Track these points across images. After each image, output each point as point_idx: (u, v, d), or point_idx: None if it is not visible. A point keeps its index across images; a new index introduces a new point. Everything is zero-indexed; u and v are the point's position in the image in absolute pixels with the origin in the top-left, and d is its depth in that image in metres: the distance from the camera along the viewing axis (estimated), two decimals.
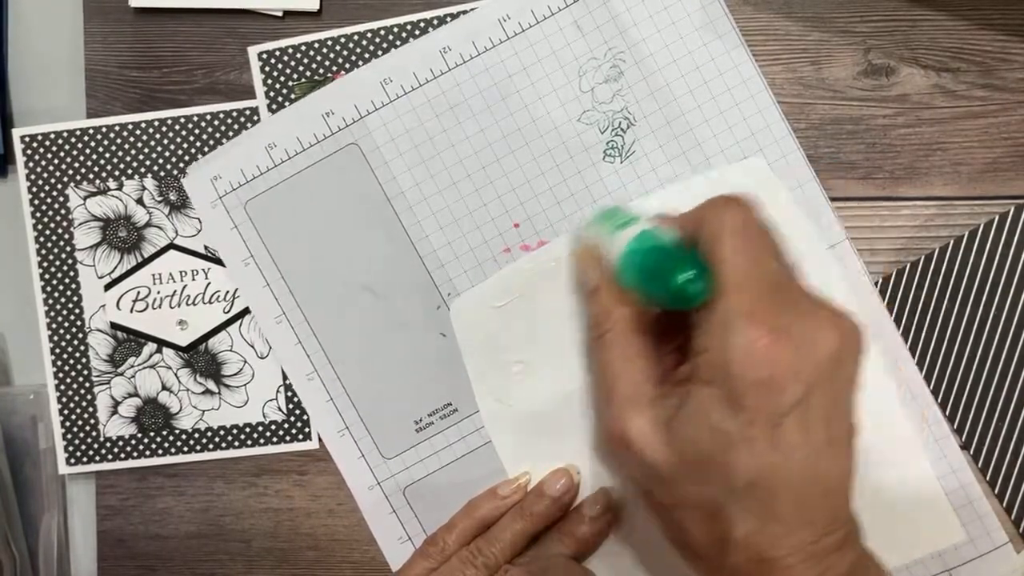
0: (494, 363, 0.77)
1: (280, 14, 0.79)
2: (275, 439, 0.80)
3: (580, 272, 0.71)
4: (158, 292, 0.81)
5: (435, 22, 0.77)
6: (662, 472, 0.58)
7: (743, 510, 0.55)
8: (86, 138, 0.80)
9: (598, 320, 0.64)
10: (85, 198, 0.80)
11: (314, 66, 0.78)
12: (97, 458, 0.81)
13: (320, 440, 0.80)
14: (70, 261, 0.81)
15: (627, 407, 0.60)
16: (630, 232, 0.63)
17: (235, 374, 0.81)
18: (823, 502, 0.55)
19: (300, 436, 0.80)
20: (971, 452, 0.74)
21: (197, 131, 0.79)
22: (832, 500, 0.56)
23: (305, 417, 0.80)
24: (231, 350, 0.81)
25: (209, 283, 0.80)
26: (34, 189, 0.81)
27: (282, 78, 0.78)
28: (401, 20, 0.77)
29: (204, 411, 0.81)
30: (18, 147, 0.80)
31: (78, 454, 0.82)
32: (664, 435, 0.58)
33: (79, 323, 0.81)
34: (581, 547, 0.74)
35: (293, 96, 0.78)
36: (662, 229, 0.62)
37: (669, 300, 0.59)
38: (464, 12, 0.76)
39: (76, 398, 0.81)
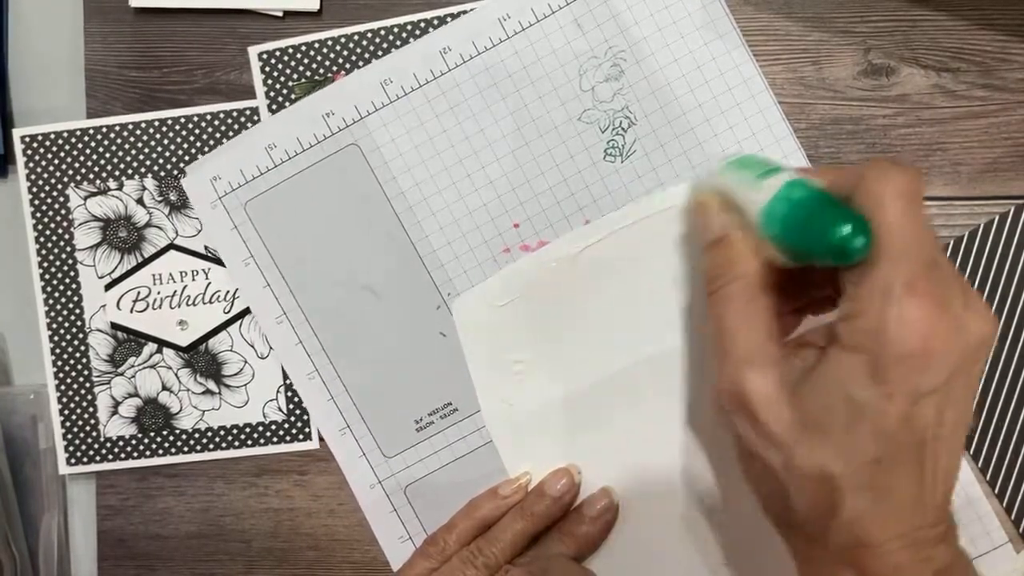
0: (495, 362, 0.77)
1: (280, 14, 0.79)
2: (275, 439, 0.80)
3: (703, 219, 0.65)
4: (158, 292, 0.81)
5: (435, 22, 0.77)
6: (780, 435, 0.55)
7: (858, 487, 0.53)
8: (86, 138, 0.80)
9: (720, 271, 0.60)
10: (85, 198, 0.80)
11: (314, 66, 0.78)
12: (97, 458, 0.82)
13: (320, 440, 0.80)
14: (70, 261, 0.81)
15: (747, 364, 0.56)
16: (775, 181, 0.59)
17: (235, 374, 0.81)
18: (936, 491, 0.54)
19: (300, 436, 0.80)
20: (971, 452, 0.74)
21: (197, 131, 0.79)
22: (943, 490, 0.54)
23: (305, 417, 0.80)
24: (231, 350, 0.81)
25: (209, 283, 0.80)
26: (34, 189, 0.81)
27: (282, 78, 0.78)
28: (401, 20, 0.77)
29: (204, 411, 0.81)
30: (18, 147, 0.81)
31: (78, 454, 0.82)
32: (787, 397, 0.55)
33: (79, 323, 0.81)
34: (581, 547, 0.74)
35: (293, 96, 0.78)
36: (813, 181, 0.58)
37: (825, 254, 0.55)
38: (464, 12, 0.76)
39: (76, 398, 0.81)
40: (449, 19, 0.77)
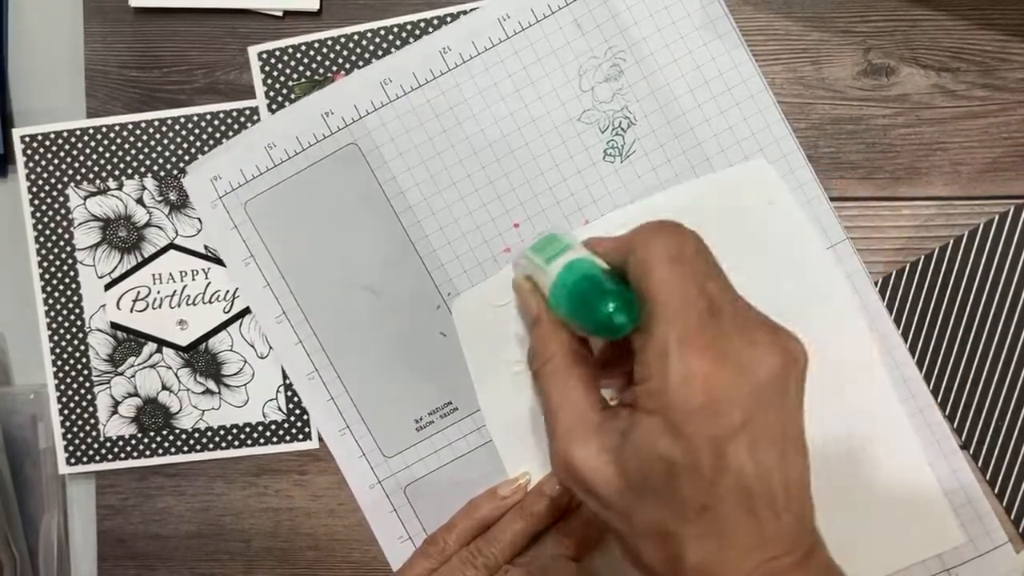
0: (495, 362, 0.77)
1: (280, 14, 0.79)
2: (275, 439, 0.80)
3: (520, 302, 0.71)
4: (158, 292, 0.81)
5: (435, 22, 0.77)
6: (612, 500, 0.57)
7: (695, 536, 0.54)
8: (86, 138, 0.80)
9: (537, 351, 0.64)
10: (85, 198, 0.80)
11: (314, 66, 0.78)
12: (97, 458, 0.82)
13: (320, 440, 0.80)
14: (70, 261, 0.81)
15: (571, 436, 0.59)
16: (561, 261, 0.63)
17: (235, 374, 0.81)
18: (777, 523, 0.54)
19: (300, 436, 0.80)
20: (971, 452, 0.74)
21: (197, 131, 0.79)
22: (787, 519, 0.54)
23: (305, 417, 0.80)
24: (231, 350, 0.81)
25: (209, 283, 0.80)
26: (34, 189, 0.81)
27: (282, 78, 0.78)
28: (401, 20, 0.77)
29: (204, 411, 0.81)
30: (18, 147, 0.81)
31: (78, 454, 0.82)
32: (611, 463, 0.57)
33: (79, 323, 0.81)
34: (581, 547, 0.74)
35: (293, 96, 0.78)
36: (592, 258, 0.62)
37: (597, 330, 0.58)
38: (464, 12, 0.76)
39: (76, 398, 0.81)
40: (449, 19, 0.77)
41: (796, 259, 0.74)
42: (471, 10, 0.76)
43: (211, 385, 0.81)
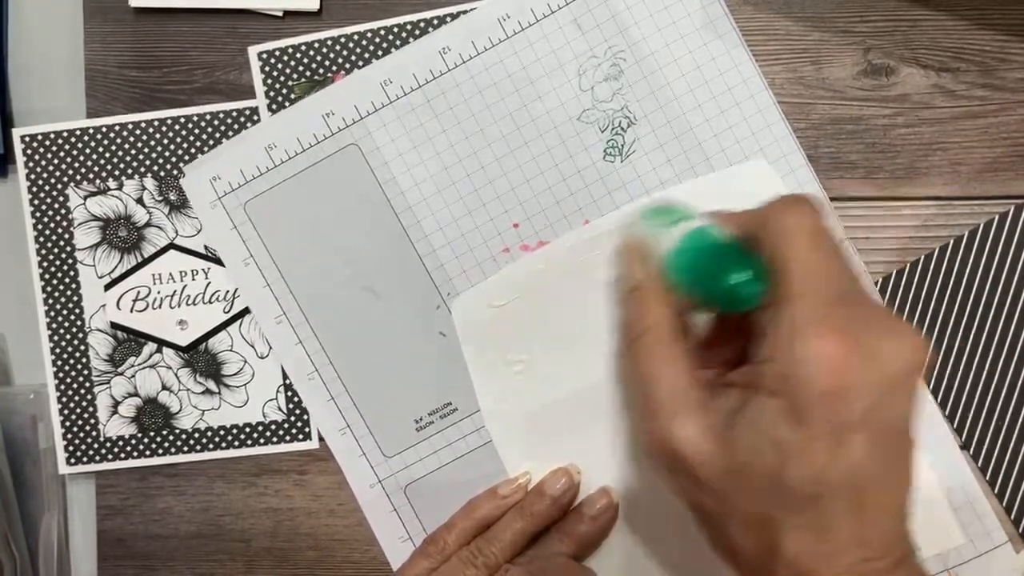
0: (495, 362, 0.77)
1: (280, 14, 0.79)
2: (275, 439, 0.80)
3: (622, 269, 0.64)
4: (158, 292, 0.81)
5: (435, 22, 0.77)
6: (713, 482, 0.54)
7: (796, 527, 0.52)
8: (86, 138, 0.80)
9: (633, 321, 0.59)
10: (85, 198, 0.80)
11: (314, 66, 0.78)
12: (97, 458, 0.82)
13: (320, 440, 0.80)
14: (70, 261, 0.81)
15: (672, 413, 0.55)
16: (682, 229, 0.59)
17: (235, 374, 0.81)
18: (879, 523, 0.52)
19: (300, 436, 0.80)
20: (971, 452, 0.74)
21: (197, 131, 0.79)
22: (888, 521, 0.53)
23: (305, 417, 0.80)
24: (231, 350, 0.81)
25: (209, 283, 0.80)
26: (34, 189, 0.81)
27: (282, 78, 0.78)
28: (401, 20, 0.77)
29: (204, 411, 0.81)
30: (18, 147, 0.81)
31: (78, 454, 0.82)
32: (715, 443, 0.54)
33: (79, 323, 0.81)
34: (581, 546, 0.74)
35: (293, 96, 0.78)
36: (718, 227, 0.58)
37: (720, 301, 0.56)
38: (464, 12, 0.76)
39: (76, 398, 0.81)
40: (449, 19, 0.77)
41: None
42: (471, 10, 0.76)
43: (211, 385, 0.81)
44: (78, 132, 0.80)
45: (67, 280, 0.81)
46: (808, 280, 0.52)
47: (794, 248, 0.53)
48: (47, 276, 0.81)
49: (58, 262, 0.81)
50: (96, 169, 0.80)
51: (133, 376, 0.81)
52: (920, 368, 0.53)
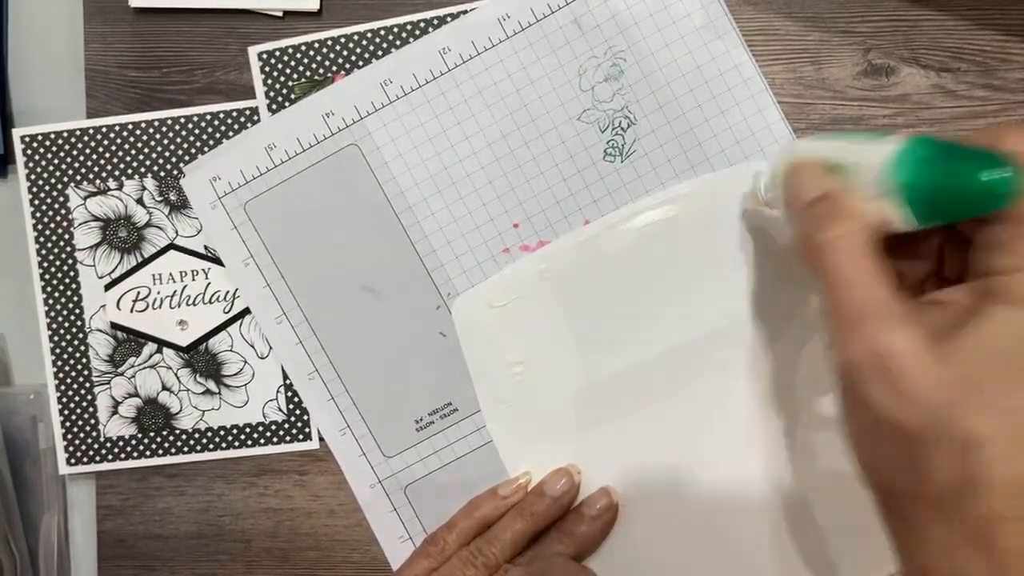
0: (494, 363, 0.77)
1: (280, 14, 0.79)
2: (275, 439, 0.80)
3: (799, 181, 0.59)
4: (158, 292, 0.81)
5: (435, 22, 0.77)
6: (927, 396, 0.49)
7: (1009, 456, 0.47)
8: (86, 138, 0.80)
9: (827, 222, 0.55)
10: (85, 198, 0.80)
11: (314, 66, 0.78)
12: (97, 458, 0.82)
13: (320, 440, 0.80)
14: (70, 261, 0.81)
15: (880, 320, 0.51)
16: (897, 137, 0.55)
17: (235, 374, 0.81)
18: None
19: (300, 436, 0.80)
20: None
21: (197, 131, 0.79)
22: None
23: (305, 417, 0.80)
24: (231, 350, 0.81)
25: (209, 283, 0.80)
26: (34, 189, 0.81)
27: (282, 78, 0.78)
28: (401, 20, 0.77)
29: (204, 411, 0.81)
30: (18, 147, 0.81)
31: (78, 454, 0.82)
32: (935, 353, 0.49)
33: (79, 323, 0.81)
34: (581, 546, 0.74)
35: (293, 96, 0.78)
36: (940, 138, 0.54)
37: (971, 200, 0.51)
38: (464, 12, 0.76)
39: (76, 398, 0.81)
40: (449, 19, 0.76)
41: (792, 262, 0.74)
42: (471, 10, 0.76)
43: (211, 385, 0.81)
44: (78, 132, 0.80)
45: (67, 280, 0.81)
46: None
47: None
48: (47, 276, 0.81)
49: (58, 262, 0.81)
50: (96, 169, 0.80)
51: (133, 376, 0.81)
52: None
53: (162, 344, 0.81)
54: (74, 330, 0.81)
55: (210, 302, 0.80)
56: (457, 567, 0.72)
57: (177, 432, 0.81)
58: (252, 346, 0.80)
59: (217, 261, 0.80)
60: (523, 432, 0.77)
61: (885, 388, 0.50)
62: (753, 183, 0.71)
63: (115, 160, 0.80)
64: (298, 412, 0.80)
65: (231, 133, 0.79)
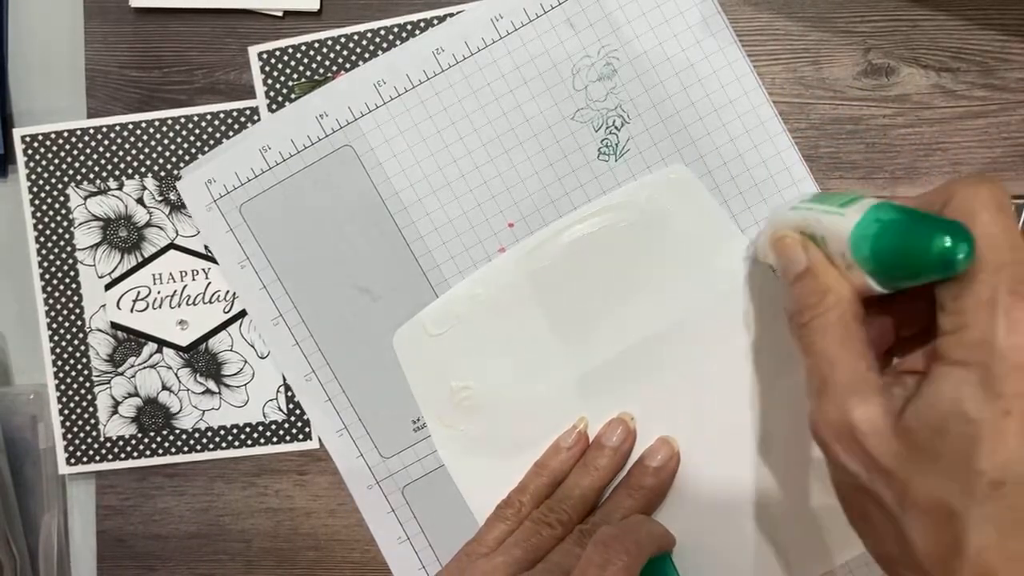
0: (440, 390, 0.77)
1: (280, 14, 0.79)
2: (275, 439, 0.81)
3: (784, 254, 0.63)
4: (158, 292, 0.81)
5: (435, 22, 0.77)
6: (892, 467, 0.51)
7: (983, 518, 0.48)
8: (86, 138, 0.80)
9: (812, 300, 0.58)
10: (85, 198, 0.81)
11: (314, 66, 0.78)
12: (97, 458, 0.82)
13: (320, 440, 0.80)
14: (70, 261, 0.81)
15: (852, 394, 0.53)
16: (861, 205, 0.57)
17: (235, 374, 0.81)
18: None
19: (300, 436, 0.80)
20: None
21: (197, 131, 0.80)
22: None
23: (305, 417, 0.80)
24: (231, 350, 0.81)
25: (209, 283, 0.80)
26: (34, 189, 0.81)
27: (282, 78, 0.78)
28: (401, 20, 0.77)
29: (204, 411, 0.81)
30: (18, 147, 0.81)
31: (78, 454, 0.82)
32: (896, 424, 0.52)
33: (79, 323, 0.81)
34: (649, 499, 0.74)
35: (293, 96, 0.78)
36: (900, 203, 0.56)
37: (927, 268, 0.52)
38: (464, 12, 0.76)
39: (76, 398, 0.82)
40: (449, 19, 0.76)
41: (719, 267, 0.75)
42: (465, 11, 0.76)
43: (211, 385, 0.81)
44: (78, 132, 0.80)
45: (67, 280, 0.81)
46: (1002, 250, 0.50)
47: (986, 220, 0.51)
48: (47, 276, 0.81)
49: (58, 262, 0.81)
50: (96, 169, 0.80)
51: (133, 376, 0.81)
52: None
53: (162, 344, 0.81)
54: (74, 330, 0.81)
55: (210, 302, 0.81)
56: (532, 529, 0.72)
57: (177, 432, 0.81)
58: (252, 346, 0.80)
59: (217, 261, 0.79)
60: (475, 455, 0.77)
61: (855, 459, 0.53)
62: (754, 244, 0.73)
63: (115, 160, 0.80)
64: (298, 412, 0.80)
65: (231, 133, 0.79)
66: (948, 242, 0.51)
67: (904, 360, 0.57)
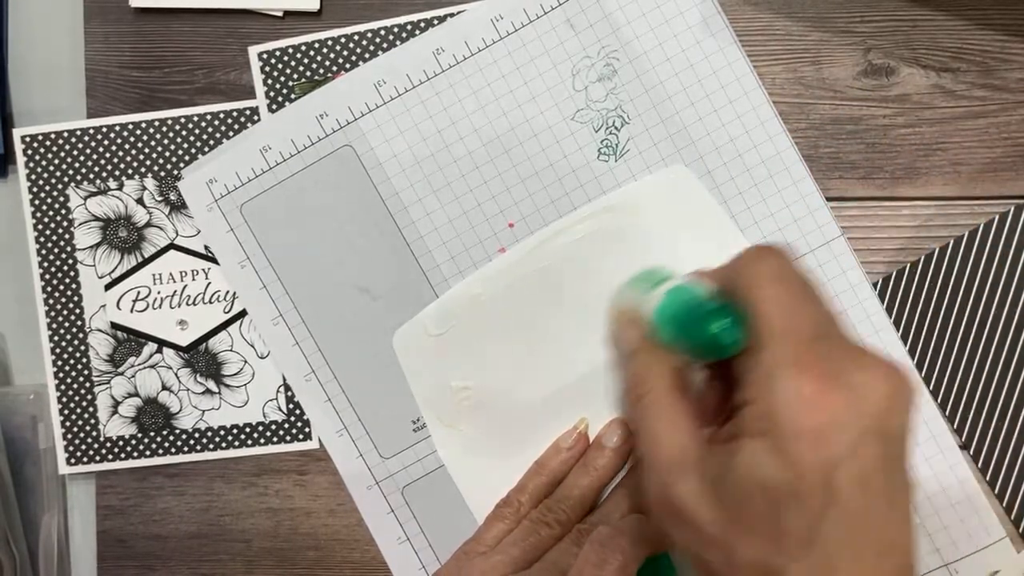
0: (440, 390, 0.77)
1: (280, 14, 0.79)
2: (275, 439, 0.81)
3: (617, 335, 0.69)
4: (158, 292, 0.81)
5: (435, 22, 0.77)
6: (714, 535, 0.53)
7: (799, 574, 0.50)
8: (86, 138, 0.80)
9: (636, 382, 0.61)
10: (85, 198, 0.81)
11: (314, 66, 0.78)
12: (97, 458, 0.82)
13: (320, 440, 0.80)
14: (70, 261, 0.81)
15: (671, 470, 0.56)
16: (661, 290, 0.63)
17: (235, 374, 0.81)
18: (883, 564, 0.51)
19: (300, 436, 0.80)
20: (971, 452, 0.74)
21: (197, 131, 0.80)
22: (893, 561, 0.51)
23: (305, 417, 0.80)
24: (231, 350, 0.81)
25: (209, 283, 0.80)
26: (34, 189, 0.81)
27: (282, 78, 0.78)
28: (401, 20, 0.77)
29: (204, 411, 0.81)
30: (18, 147, 0.81)
31: (78, 454, 0.82)
32: (713, 495, 0.54)
33: (79, 323, 0.81)
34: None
35: (293, 96, 0.78)
36: (697, 283, 0.61)
37: (705, 351, 0.58)
38: (464, 12, 0.76)
39: (76, 398, 0.82)
40: (449, 19, 0.76)
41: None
42: (465, 11, 0.76)
43: (211, 385, 0.81)
44: (78, 132, 0.80)
45: (67, 280, 0.81)
46: (781, 322, 0.53)
47: (765, 292, 0.54)
48: (47, 276, 0.81)
49: (58, 262, 0.81)
50: (96, 169, 0.80)
51: (133, 376, 0.81)
52: (905, 402, 0.52)
53: (162, 344, 0.81)
54: (74, 330, 0.81)
55: (210, 302, 0.81)
56: (530, 529, 0.72)
57: (177, 432, 0.81)
58: (252, 346, 0.80)
59: (217, 261, 0.79)
60: (475, 455, 0.78)
61: (685, 531, 0.55)
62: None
63: (115, 160, 0.80)
64: (298, 412, 0.80)
65: (231, 133, 0.79)
66: (715, 329, 0.56)
67: (727, 427, 0.58)
